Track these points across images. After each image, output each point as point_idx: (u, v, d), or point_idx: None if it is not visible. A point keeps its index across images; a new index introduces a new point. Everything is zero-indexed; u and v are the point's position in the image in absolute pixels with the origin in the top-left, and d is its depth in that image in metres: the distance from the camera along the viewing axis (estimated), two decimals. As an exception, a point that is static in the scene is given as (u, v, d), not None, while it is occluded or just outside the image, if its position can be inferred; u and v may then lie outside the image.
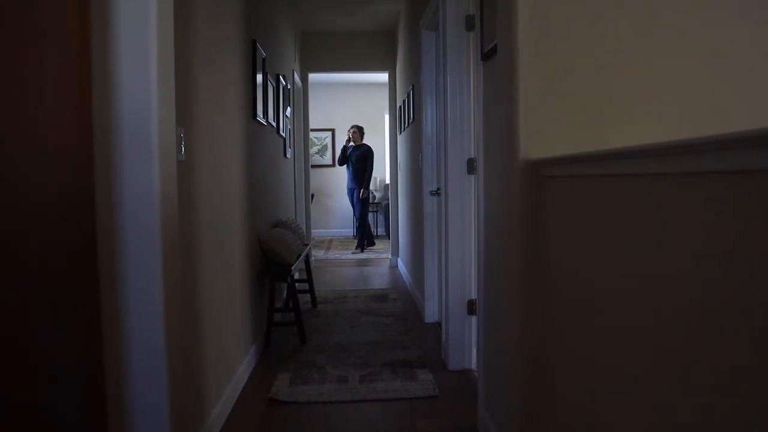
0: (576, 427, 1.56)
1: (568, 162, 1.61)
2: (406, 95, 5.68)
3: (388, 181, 10.09)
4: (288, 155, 5.62)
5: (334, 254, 8.24)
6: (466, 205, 3.21)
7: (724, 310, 0.92)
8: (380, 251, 8.49)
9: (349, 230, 10.38)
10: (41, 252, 1.57)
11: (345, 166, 8.46)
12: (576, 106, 1.84)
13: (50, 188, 1.58)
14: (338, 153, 8.91)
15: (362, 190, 8.14)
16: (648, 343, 1.16)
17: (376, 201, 10.58)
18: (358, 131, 8.17)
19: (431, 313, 4.34)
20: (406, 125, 5.75)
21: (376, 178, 10.77)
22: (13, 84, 1.51)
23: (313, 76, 7.48)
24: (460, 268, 3.23)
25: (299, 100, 6.80)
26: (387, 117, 9.77)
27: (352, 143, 8.17)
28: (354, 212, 8.57)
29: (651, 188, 1.15)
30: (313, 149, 10.22)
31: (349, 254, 8.18)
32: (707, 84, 1.87)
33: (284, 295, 4.69)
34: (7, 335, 1.52)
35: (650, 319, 1.15)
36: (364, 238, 8.46)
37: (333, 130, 10.50)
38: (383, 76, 7.87)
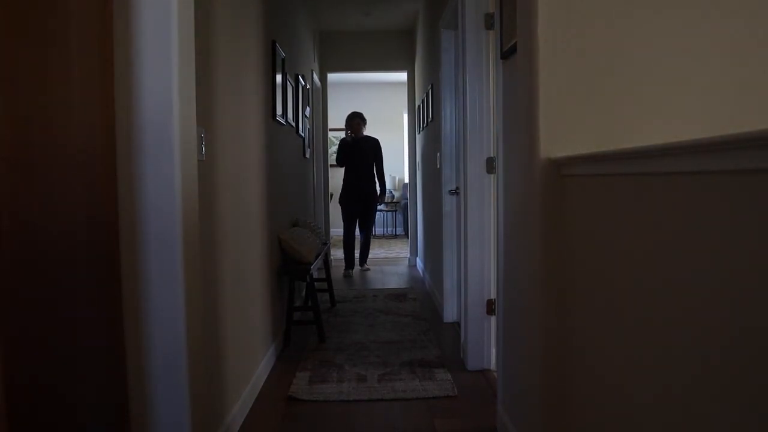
0: (599, 429, 1.54)
1: (589, 161, 1.59)
2: (425, 94, 5.67)
3: (406, 180, 10.09)
4: (307, 155, 5.65)
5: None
6: (485, 205, 3.20)
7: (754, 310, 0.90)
8: (399, 251, 8.47)
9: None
10: (66, 252, 1.60)
11: (344, 165, 6.53)
12: (597, 105, 1.82)
13: (76, 189, 1.61)
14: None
15: (382, 193, 6.66)
16: (671, 343, 1.14)
17: (394, 200, 10.58)
18: (362, 121, 6.47)
19: (450, 313, 4.33)
20: (425, 124, 5.74)
21: (395, 177, 10.77)
22: (41, 89, 1.54)
23: (332, 76, 7.48)
24: (479, 267, 3.21)
25: (318, 99, 6.81)
26: (406, 116, 9.77)
27: (351, 135, 6.42)
28: (366, 219, 6.64)
29: (673, 187, 1.13)
30: (332, 149, 10.23)
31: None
32: (736, 81, 1.83)
33: (303, 293, 4.71)
34: (33, 335, 1.54)
35: (674, 318, 1.13)
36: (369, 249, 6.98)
37: (352, 130, 10.49)
38: (402, 76, 7.86)
